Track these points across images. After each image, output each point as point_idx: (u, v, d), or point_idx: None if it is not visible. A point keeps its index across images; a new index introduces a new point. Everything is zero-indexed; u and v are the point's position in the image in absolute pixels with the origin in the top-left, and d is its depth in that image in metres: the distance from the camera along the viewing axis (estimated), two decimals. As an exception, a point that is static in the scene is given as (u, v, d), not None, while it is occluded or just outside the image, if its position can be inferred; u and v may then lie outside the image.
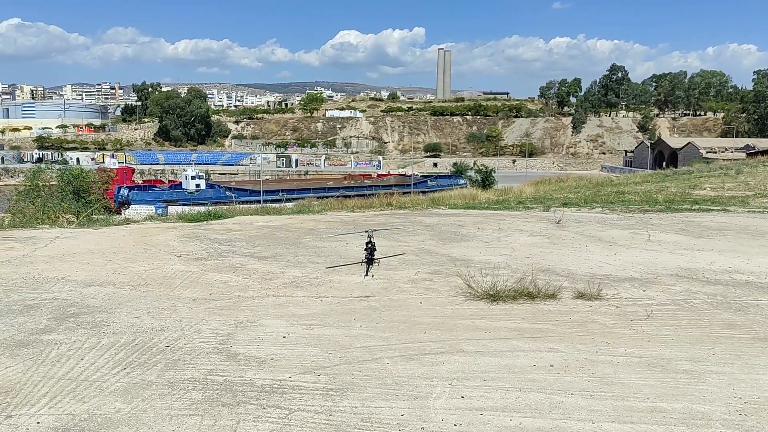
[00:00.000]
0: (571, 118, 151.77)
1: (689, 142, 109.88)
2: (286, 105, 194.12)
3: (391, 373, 5.42)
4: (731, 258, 10.62)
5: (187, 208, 23.63)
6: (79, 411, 4.69)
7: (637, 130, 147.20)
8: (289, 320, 7.06)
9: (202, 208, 19.23)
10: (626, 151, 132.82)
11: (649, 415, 4.51)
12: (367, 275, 9.33)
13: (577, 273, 9.48)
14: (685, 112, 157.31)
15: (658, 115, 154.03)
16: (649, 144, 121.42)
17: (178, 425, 4.46)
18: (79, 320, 7.04)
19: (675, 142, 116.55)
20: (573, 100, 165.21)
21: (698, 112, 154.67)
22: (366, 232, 10.10)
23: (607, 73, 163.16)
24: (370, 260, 9.56)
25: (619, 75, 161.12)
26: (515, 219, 15.91)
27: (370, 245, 9.60)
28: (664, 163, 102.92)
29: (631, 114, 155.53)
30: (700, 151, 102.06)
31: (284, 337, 6.45)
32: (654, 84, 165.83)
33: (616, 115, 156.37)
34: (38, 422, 4.52)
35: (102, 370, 5.51)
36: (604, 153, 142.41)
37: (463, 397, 4.88)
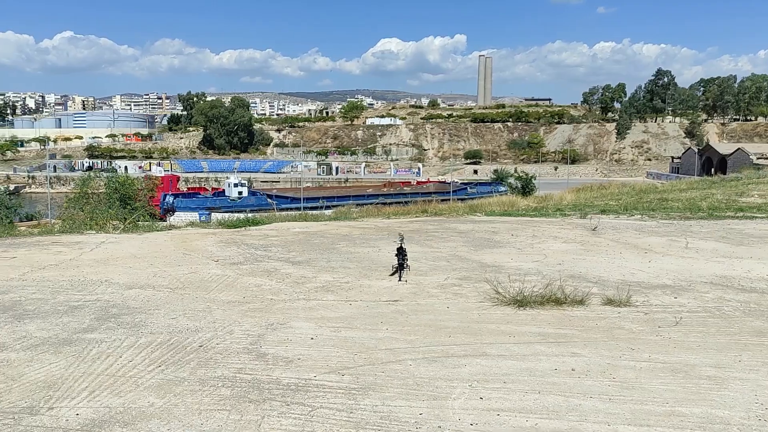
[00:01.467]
0: (615, 124, 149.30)
1: (739, 148, 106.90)
2: (327, 113, 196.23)
3: (413, 374, 5.55)
4: (770, 266, 10.41)
5: (229, 215, 24.17)
6: (116, 404, 4.96)
7: (684, 136, 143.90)
8: (317, 323, 7.26)
9: (242, 215, 19.65)
10: (673, 158, 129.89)
11: (666, 419, 4.54)
12: (400, 280, 9.46)
13: (608, 280, 9.44)
14: (734, 117, 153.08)
15: (706, 120, 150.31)
16: (696, 150, 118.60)
17: (207, 419, 4.68)
18: (120, 320, 7.37)
19: (724, 148, 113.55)
20: (617, 105, 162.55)
21: (749, 117, 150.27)
22: (396, 238, 10.25)
23: (653, 77, 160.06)
24: (401, 265, 9.70)
25: (665, 80, 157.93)
26: (551, 226, 15.85)
27: (401, 250, 9.74)
28: (713, 170, 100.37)
29: (678, 119, 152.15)
30: (751, 157, 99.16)
31: (312, 338, 6.64)
32: (702, 89, 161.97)
33: (663, 121, 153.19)
34: (77, 414, 4.79)
35: (138, 367, 5.79)
36: (649, 159, 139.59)
37: (481, 398, 4.99)
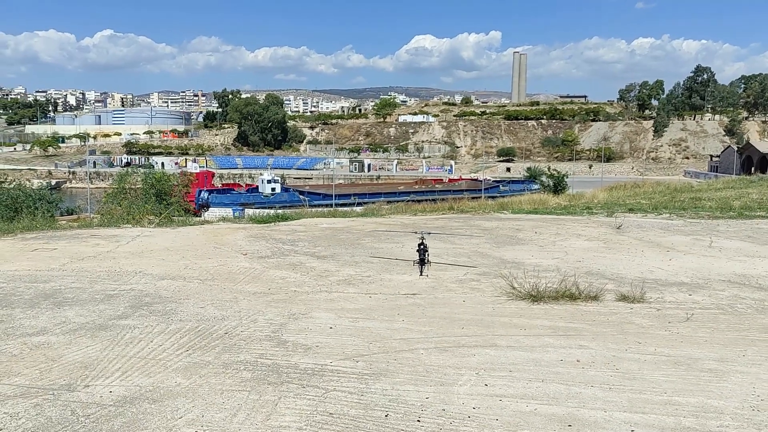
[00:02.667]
0: (652, 122, 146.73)
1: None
2: (360, 110, 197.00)
3: (423, 362, 5.84)
4: (791, 265, 10.41)
5: (261, 211, 24.69)
6: (145, 384, 5.35)
7: (723, 134, 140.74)
8: (337, 313, 7.59)
9: (273, 211, 20.12)
10: (711, 156, 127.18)
11: (661, 407, 4.74)
12: (421, 275, 9.75)
13: (626, 277, 9.58)
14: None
15: (747, 118, 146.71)
16: (736, 148, 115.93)
17: (228, 398, 5.04)
18: (152, 308, 7.80)
19: (765, 146, 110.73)
20: (655, 103, 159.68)
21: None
22: (416, 233, 10.53)
23: (692, 74, 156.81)
24: (422, 261, 9.99)
25: (705, 76, 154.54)
26: (575, 224, 15.94)
27: (422, 246, 10.03)
28: (753, 169, 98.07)
29: (717, 117, 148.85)
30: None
31: (331, 328, 6.97)
32: (743, 86, 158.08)
33: (701, 119, 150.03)
34: (110, 391, 5.20)
35: (167, 351, 6.19)
36: (687, 158, 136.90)
37: (486, 385, 5.25)
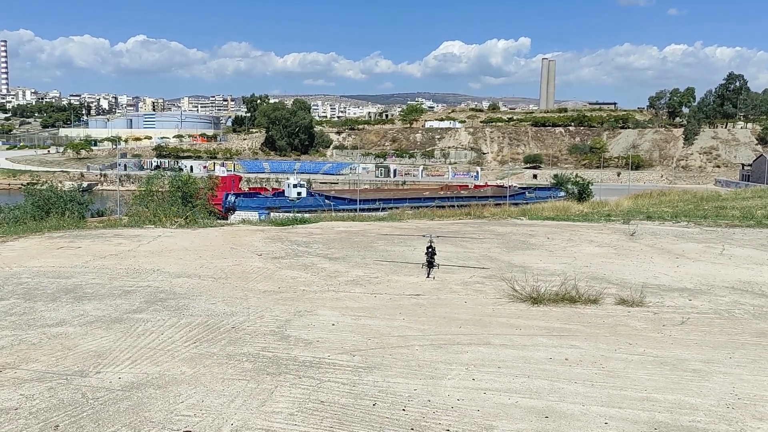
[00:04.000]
0: (682, 130, 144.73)
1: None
2: (387, 116, 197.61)
3: (417, 357, 6.09)
4: (799, 273, 10.42)
5: (287, 215, 25.10)
6: (153, 372, 5.70)
7: (756, 142, 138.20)
8: (341, 311, 7.88)
9: (292, 214, 20.49)
10: (743, 165, 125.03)
11: (639, 403, 4.93)
12: (428, 277, 10.01)
13: (630, 282, 9.71)
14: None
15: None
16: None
17: (228, 386, 5.35)
18: (165, 304, 8.18)
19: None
20: (685, 110, 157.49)
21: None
22: (426, 236, 10.80)
23: (724, 81, 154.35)
24: (430, 263, 10.24)
25: (737, 84, 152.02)
26: (589, 230, 16.03)
27: (430, 249, 10.28)
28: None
29: (749, 125, 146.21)
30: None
31: (333, 324, 7.26)
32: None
33: (733, 127, 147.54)
34: (120, 378, 5.55)
35: (176, 343, 6.54)
36: (718, 166, 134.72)
37: (473, 379, 5.48)
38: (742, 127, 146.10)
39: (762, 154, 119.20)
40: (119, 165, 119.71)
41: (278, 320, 7.44)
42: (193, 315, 7.65)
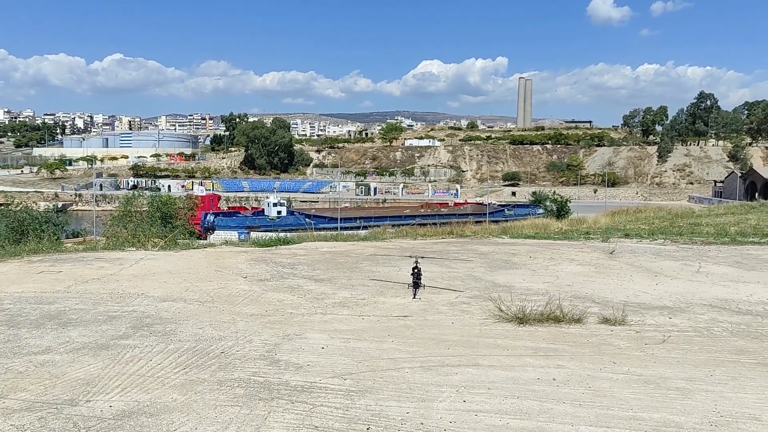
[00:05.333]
0: (656, 147, 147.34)
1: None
2: (367, 134, 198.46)
3: (407, 380, 6.16)
4: (775, 290, 10.69)
5: (269, 234, 25.06)
6: (143, 399, 5.69)
7: (727, 159, 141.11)
8: (330, 334, 7.92)
9: (275, 234, 20.46)
10: (715, 182, 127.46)
11: (626, 422, 5.05)
12: (414, 297, 10.09)
13: (611, 301, 9.89)
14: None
15: (750, 144, 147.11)
16: (740, 174, 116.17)
17: (221, 412, 5.37)
18: (152, 329, 8.16)
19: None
20: (659, 128, 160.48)
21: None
22: (412, 257, 10.91)
23: (695, 100, 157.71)
24: (416, 284, 10.33)
25: (708, 103, 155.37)
26: (570, 249, 16.25)
27: (416, 270, 10.38)
28: (757, 194, 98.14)
29: (721, 143, 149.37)
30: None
31: (323, 348, 7.31)
32: (746, 112, 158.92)
33: (705, 144, 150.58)
34: (110, 406, 5.53)
35: (165, 369, 6.53)
36: (691, 183, 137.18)
37: (464, 401, 5.56)
38: (713, 145, 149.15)
39: (733, 171, 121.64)
40: (95, 185, 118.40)
41: (267, 344, 7.46)
42: (181, 340, 7.64)
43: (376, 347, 7.35)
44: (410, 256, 11.09)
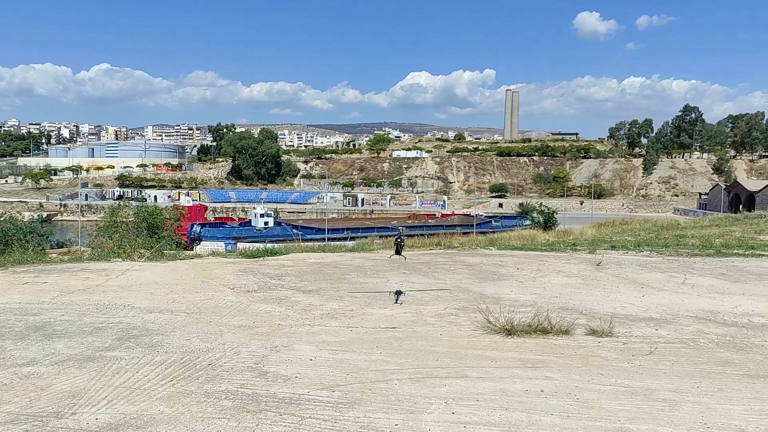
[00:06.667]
0: (642, 160, 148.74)
1: (767, 185, 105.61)
2: (354, 145, 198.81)
3: (396, 392, 6.15)
4: (759, 302, 10.80)
5: (255, 245, 24.99)
6: (130, 412, 5.64)
7: (712, 172, 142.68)
8: (318, 346, 7.90)
9: (263, 245, 20.40)
10: (700, 194, 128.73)
11: (614, 434, 5.07)
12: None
13: (598, 312, 9.94)
14: (763, 153, 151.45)
15: (734, 156, 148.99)
16: (724, 186, 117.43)
17: (208, 425, 5.33)
18: (139, 341, 8.09)
19: (752, 184, 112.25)
20: (644, 141, 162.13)
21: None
22: (397, 232, 11.07)
23: (680, 113, 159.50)
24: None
25: (693, 116, 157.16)
26: (557, 260, 16.33)
27: (399, 240, 10.51)
28: (741, 207, 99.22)
29: (705, 155, 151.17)
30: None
31: (311, 359, 7.28)
32: (730, 125, 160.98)
33: (690, 157, 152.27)
34: (96, 419, 5.48)
35: (152, 381, 6.47)
36: (677, 195, 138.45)
37: (453, 413, 5.56)
38: (698, 158, 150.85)
39: (718, 184, 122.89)
40: (80, 195, 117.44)
41: (255, 356, 7.42)
42: (168, 352, 7.58)
43: (365, 359, 7.34)
44: (392, 228, 11.29)
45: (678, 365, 7.08)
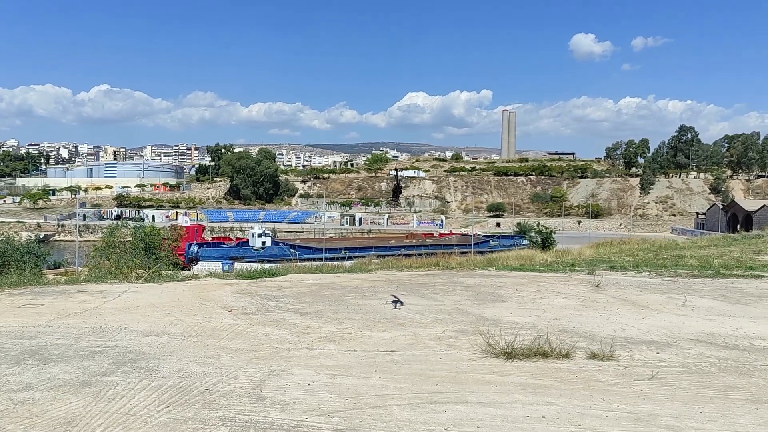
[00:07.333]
0: (638, 179, 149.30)
1: (764, 205, 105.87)
2: (352, 165, 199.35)
3: (395, 417, 6.07)
4: (759, 324, 10.75)
5: (253, 265, 24.89)
6: (126, 439, 5.56)
7: (708, 191, 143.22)
8: (316, 370, 7.82)
9: (267, 265, 20.31)
10: (698, 214, 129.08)
11: (617, 462, 5.00)
12: (395, 308, 10.24)
13: (598, 335, 9.87)
14: (759, 173, 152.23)
15: (731, 176, 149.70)
16: (721, 206, 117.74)
17: (205, 453, 5.25)
18: (135, 365, 8.01)
19: (749, 204, 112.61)
20: (640, 160, 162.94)
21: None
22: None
23: (676, 133, 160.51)
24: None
25: (689, 136, 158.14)
26: (556, 281, 16.28)
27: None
28: (738, 226, 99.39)
29: (702, 175, 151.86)
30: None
31: (309, 384, 7.20)
32: (726, 145, 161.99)
33: (687, 177, 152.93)
34: (91, 446, 5.40)
35: (149, 407, 6.39)
36: (674, 215, 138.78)
37: (453, 440, 5.49)
38: (695, 177, 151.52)
39: (715, 204, 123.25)
40: (78, 215, 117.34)
41: (253, 380, 7.35)
42: (164, 377, 7.50)
43: (363, 383, 7.26)
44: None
45: (680, 390, 7.01)
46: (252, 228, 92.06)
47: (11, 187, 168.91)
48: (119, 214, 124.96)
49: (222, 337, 9.64)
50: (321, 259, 56.05)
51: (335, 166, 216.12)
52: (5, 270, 23.92)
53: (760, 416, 6.15)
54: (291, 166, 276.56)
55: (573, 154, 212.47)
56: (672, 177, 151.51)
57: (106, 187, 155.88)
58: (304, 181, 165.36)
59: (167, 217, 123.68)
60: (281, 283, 15.67)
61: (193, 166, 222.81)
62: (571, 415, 6.14)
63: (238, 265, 43.89)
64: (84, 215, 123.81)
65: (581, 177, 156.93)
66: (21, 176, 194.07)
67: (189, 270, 44.12)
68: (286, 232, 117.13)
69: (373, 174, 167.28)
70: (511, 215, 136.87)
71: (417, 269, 19.80)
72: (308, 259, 54.19)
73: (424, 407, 6.39)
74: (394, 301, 11.69)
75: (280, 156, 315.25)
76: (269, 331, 10.16)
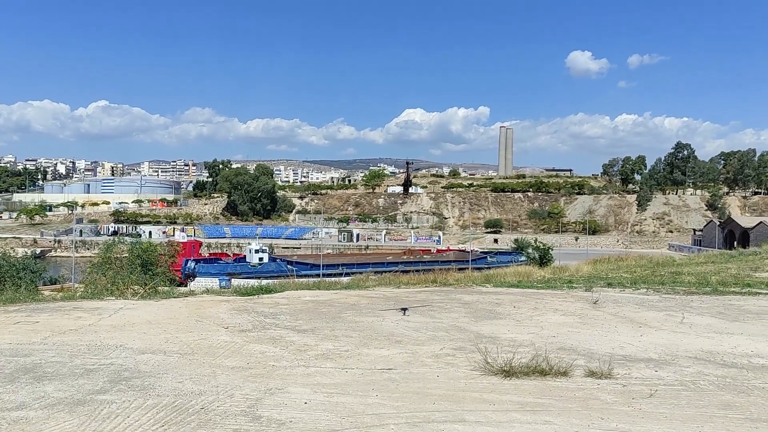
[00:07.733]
0: (635, 196, 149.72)
1: (761, 222, 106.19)
2: (350, 181, 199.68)
3: (393, 437, 6.02)
4: (758, 342, 10.72)
5: (250, 281, 24.82)
6: (120, 459, 5.50)
7: (705, 208, 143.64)
8: (313, 388, 7.77)
9: (264, 282, 20.25)
10: (695, 230, 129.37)
11: (616, 483, 4.96)
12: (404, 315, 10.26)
13: (596, 352, 9.83)
14: (756, 190, 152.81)
15: (727, 193, 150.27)
16: (718, 223, 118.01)
17: (200, 474, 5.19)
18: (130, 383, 7.94)
19: (746, 221, 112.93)
20: (637, 177, 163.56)
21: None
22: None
23: (673, 150, 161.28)
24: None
25: (685, 153, 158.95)
26: (554, 298, 16.24)
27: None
28: (735, 243, 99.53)
29: (699, 192, 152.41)
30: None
31: (306, 403, 7.15)
32: (722, 162, 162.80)
33: (683, 193, 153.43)
34: (85, 466, 5.33)
35: (143, 426, 6.33)
36: (671, 231, 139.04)
37: (451, 460, 5.44)
38: (691, 194, 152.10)
39: (712, 220, 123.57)
40: (75, 231, 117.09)
41: (249, 399, 7.29)
42: (159, 395, 7.44)
43: (360, 402, 7.21)
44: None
45: (679, 409, 6.97)
46: (249, 244, 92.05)
47: (8, 202, 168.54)
48: (116, 229, 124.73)
49: (218, 355, 9.58)
50: (318, 276, 55.96)
51: (333, 182, 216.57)
52: (1, 286, 23.82)
53: (760, 436, 6.11)
54: (288, 182, 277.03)
55: (570, 170, 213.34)
56: (669, 193, 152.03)
57: (103, 203, 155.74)
58: (301, 197, 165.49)
59: (164, 233, 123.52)
60: (278, 300, 15.61)
61: (191, 182, 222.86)
62: (570, 434, 6.10)
63: (235, 282, 43.75)
64: (81, 231, 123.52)
65: (578, 193, 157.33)
66: (18, 192, 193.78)
67: (186, 286, 43.99)
68: (283, 248, 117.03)
69: (371, 190, 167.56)
70: (508, 231, 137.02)
71: (414, 286, 19.76)
72: (305, 276, 54.06)
73: (422, 426, 6.34)
74: (402, 309, 13.18)
75: (278, 172, 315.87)
76: (266, 348, 10.10)
